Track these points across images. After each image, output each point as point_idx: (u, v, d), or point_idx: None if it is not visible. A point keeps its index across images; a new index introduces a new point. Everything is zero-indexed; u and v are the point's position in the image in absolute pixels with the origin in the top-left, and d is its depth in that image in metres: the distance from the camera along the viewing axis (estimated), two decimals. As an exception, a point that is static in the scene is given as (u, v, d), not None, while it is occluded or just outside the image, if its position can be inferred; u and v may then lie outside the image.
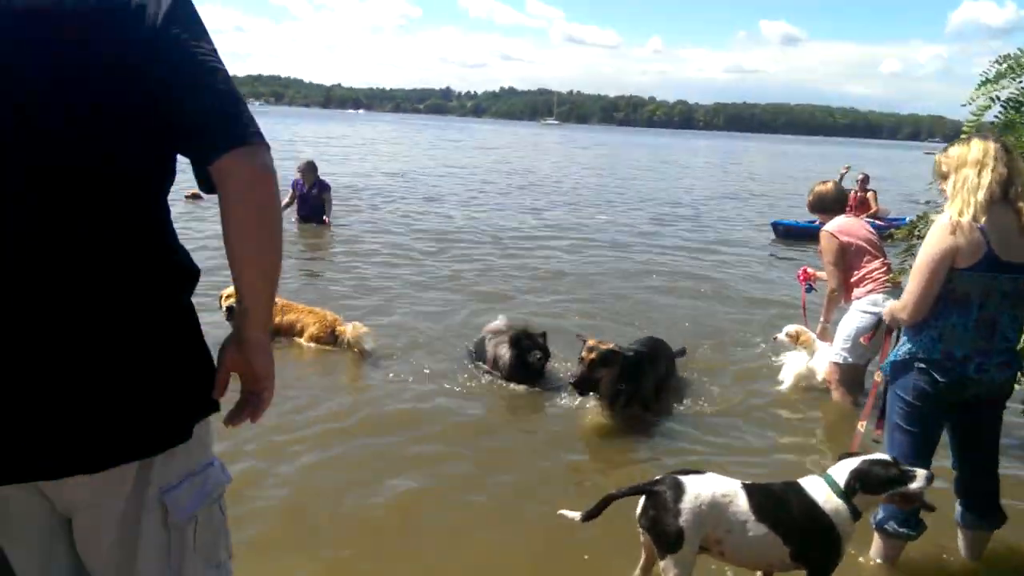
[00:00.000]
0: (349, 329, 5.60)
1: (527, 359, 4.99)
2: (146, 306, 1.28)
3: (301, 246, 10.26)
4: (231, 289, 4.42)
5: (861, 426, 3.14)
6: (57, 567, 1.34)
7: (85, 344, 1.22)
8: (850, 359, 4.67)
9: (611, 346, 4.47)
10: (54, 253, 1.18)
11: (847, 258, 4.74)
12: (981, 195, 2.65)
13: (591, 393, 4.48)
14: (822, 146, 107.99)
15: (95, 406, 1.23)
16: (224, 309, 5.26)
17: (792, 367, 5.23)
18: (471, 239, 11.43)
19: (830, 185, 5.15)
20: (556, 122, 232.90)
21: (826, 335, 5.10)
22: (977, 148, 2.72)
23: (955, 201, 2.70)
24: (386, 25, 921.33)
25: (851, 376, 4.73)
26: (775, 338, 5.47)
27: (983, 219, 2.63)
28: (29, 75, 1.15)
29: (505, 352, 5.04)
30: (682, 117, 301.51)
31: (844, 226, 4.83)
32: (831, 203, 5.06)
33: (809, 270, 5.53)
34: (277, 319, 5.73)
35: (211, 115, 1.25)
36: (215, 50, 1.28)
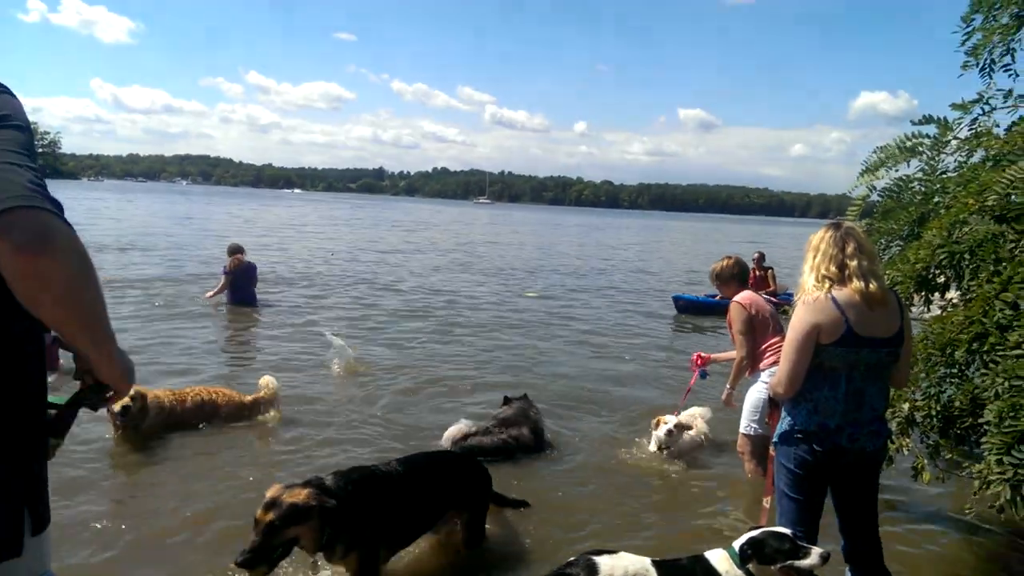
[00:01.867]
0: (264, 383, 5.96)
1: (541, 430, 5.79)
2: None
3: (225, 327, 10.13)
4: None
5: (766, 501, 3.26)
6: None
7: None
8: (759, 429, 4.84)
9: (301, 496, 3.09)
10: None
11: (754, 328, 4.95)
12: (811, 278, 2.96)
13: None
14: (740, 224, 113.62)
15: None
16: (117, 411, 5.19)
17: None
18: (403, 314, 11.46)
19: (733, 260, 5.37)
20: (488, 201, 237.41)
21: (731, 401, 5.25)
22: (816, 236, 3.05)
23: (799, 282, 3.01)
24: (320, 108, 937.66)
25: (762, 446, 4.87)
26: (659, 436, 5.49)
27: (825, 297, 2.88)
28: None
29: (528, 432, 5.64)
30: (609, 196, 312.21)
31: (750, 298, 5.07)
32: (733, 276, 5.26)
33: (703, 354, 5.69)
34: (179, 408, 5.60)
35: None
36: None
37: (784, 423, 3.03)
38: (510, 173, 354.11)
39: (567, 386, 7.70)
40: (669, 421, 5.53)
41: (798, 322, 2.90)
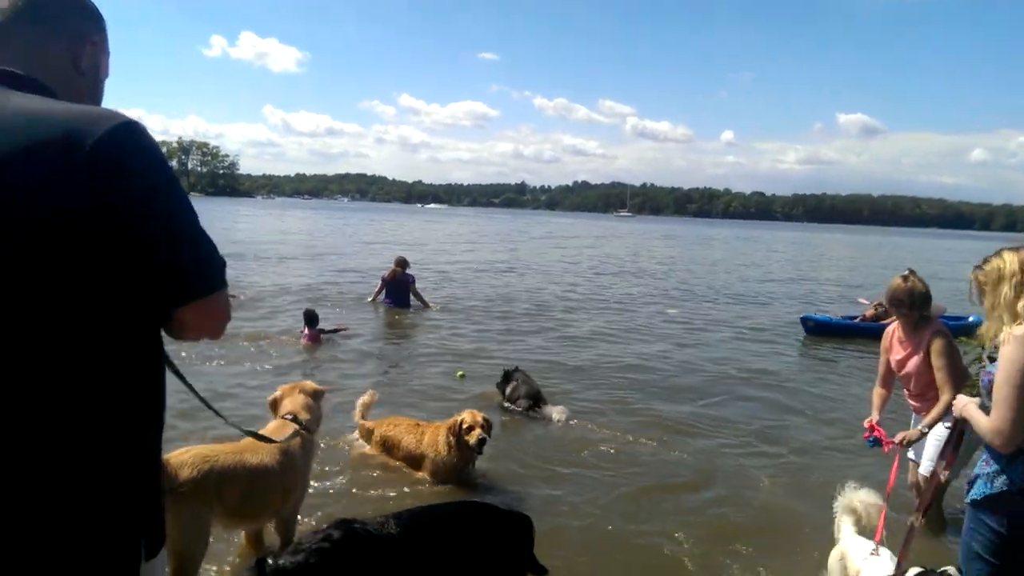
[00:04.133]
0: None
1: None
2: (94, 456, 1.23)
3: (388, 328, 11.46)
4: None
5: (917, 518, 2.95)
6: None
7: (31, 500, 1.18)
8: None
9: None
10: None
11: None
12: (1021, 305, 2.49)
13: None
14: (910, 237, 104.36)
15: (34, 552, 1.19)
16: None
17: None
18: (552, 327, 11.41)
19: (919, 278, 4.43)
20: (629, 214, 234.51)
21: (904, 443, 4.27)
22: (1007, 260, 2.62)
23: (992, 316, 2.59)
24: (465, 126, 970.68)
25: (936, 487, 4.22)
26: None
27: None
28: None
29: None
30: (759, 208, 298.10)
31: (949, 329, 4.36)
32: (925, 299, 4.34)
33: (874, 421, 4.29)
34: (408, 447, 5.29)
35: (172, 269, 1.26)
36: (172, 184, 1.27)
37: (997, 481, 2.53)
38: (652, 185, 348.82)
39: (699, 413, 7.18)
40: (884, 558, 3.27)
41: (1018, 362, 2.41)
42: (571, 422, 6.53)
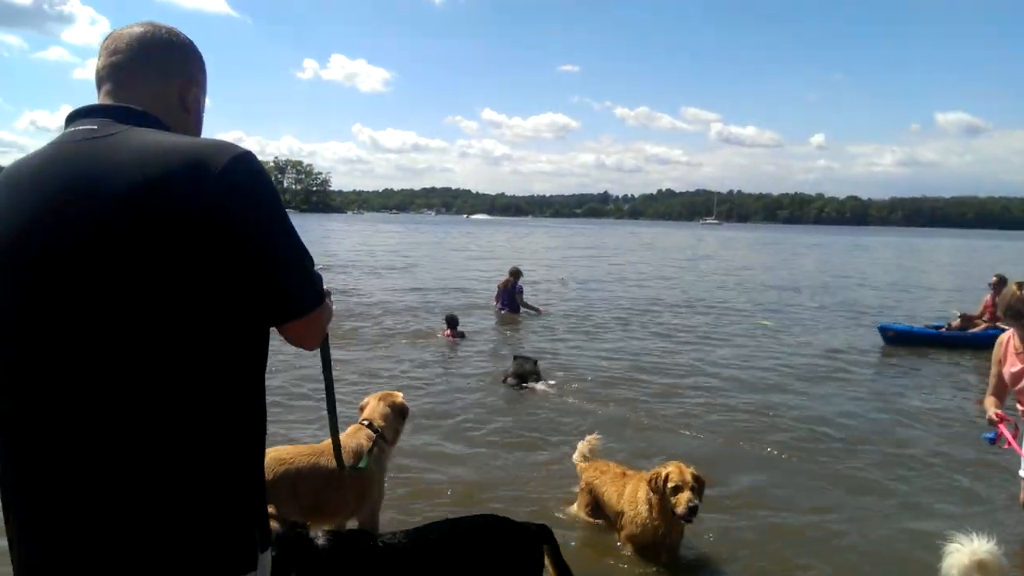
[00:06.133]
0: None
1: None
2: (195, 467, 1.32)
3: (505, 330, 12.63)
4: None
5: None
6: None
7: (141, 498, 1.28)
8: None
9: None
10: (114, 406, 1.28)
11: None
12: None
13: None
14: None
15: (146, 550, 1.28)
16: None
17: None
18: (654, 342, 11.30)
19: None
20: (716, 222, 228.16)
21: None
22: None
23: None
24: (546, 138, 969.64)
25: None
26: None
27: None
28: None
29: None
30: (855, 213, 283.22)
31: None
32: None
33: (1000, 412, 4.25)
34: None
35: (280, 287, 1.39)
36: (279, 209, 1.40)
37: None
38: (739, 192, 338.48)
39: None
40: None
41: None
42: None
